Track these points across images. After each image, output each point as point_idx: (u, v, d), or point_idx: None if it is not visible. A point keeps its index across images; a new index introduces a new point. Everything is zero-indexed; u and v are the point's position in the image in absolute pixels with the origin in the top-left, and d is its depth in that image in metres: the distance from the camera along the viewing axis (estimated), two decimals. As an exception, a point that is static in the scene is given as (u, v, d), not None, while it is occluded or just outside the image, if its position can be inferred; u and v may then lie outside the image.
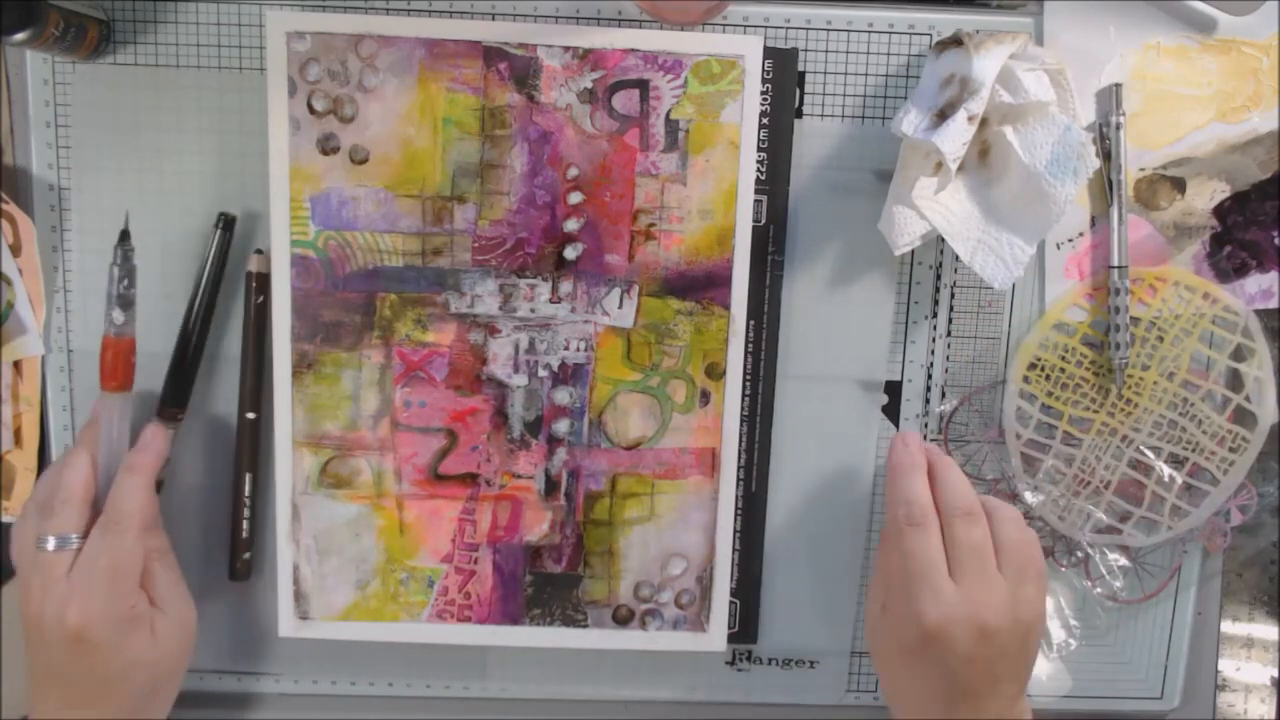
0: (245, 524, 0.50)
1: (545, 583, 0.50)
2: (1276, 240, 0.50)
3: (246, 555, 0.50)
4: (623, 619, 0.51)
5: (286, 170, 0.46)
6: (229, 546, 0.50)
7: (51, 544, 0.41)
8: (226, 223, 0.47)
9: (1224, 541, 0.52)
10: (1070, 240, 0.50)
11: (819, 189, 0.49)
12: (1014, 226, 0.46)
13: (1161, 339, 0.50)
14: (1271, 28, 0.49)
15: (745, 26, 0.48)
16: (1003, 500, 0.45)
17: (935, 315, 0.51)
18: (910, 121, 0.44)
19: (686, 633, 0.51)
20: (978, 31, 0.44)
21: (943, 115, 0.43)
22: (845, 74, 0.49)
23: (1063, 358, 0.50)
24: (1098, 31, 0.48)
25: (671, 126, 0.47)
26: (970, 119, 0.42)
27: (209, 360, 0.49)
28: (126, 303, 0.45)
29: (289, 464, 0.48)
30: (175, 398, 0.48)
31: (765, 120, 0.48)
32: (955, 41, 0.44)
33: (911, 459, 0.45)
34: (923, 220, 0.46)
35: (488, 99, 0.47)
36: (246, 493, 0.49)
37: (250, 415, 0.49)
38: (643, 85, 0.47)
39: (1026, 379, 0.51)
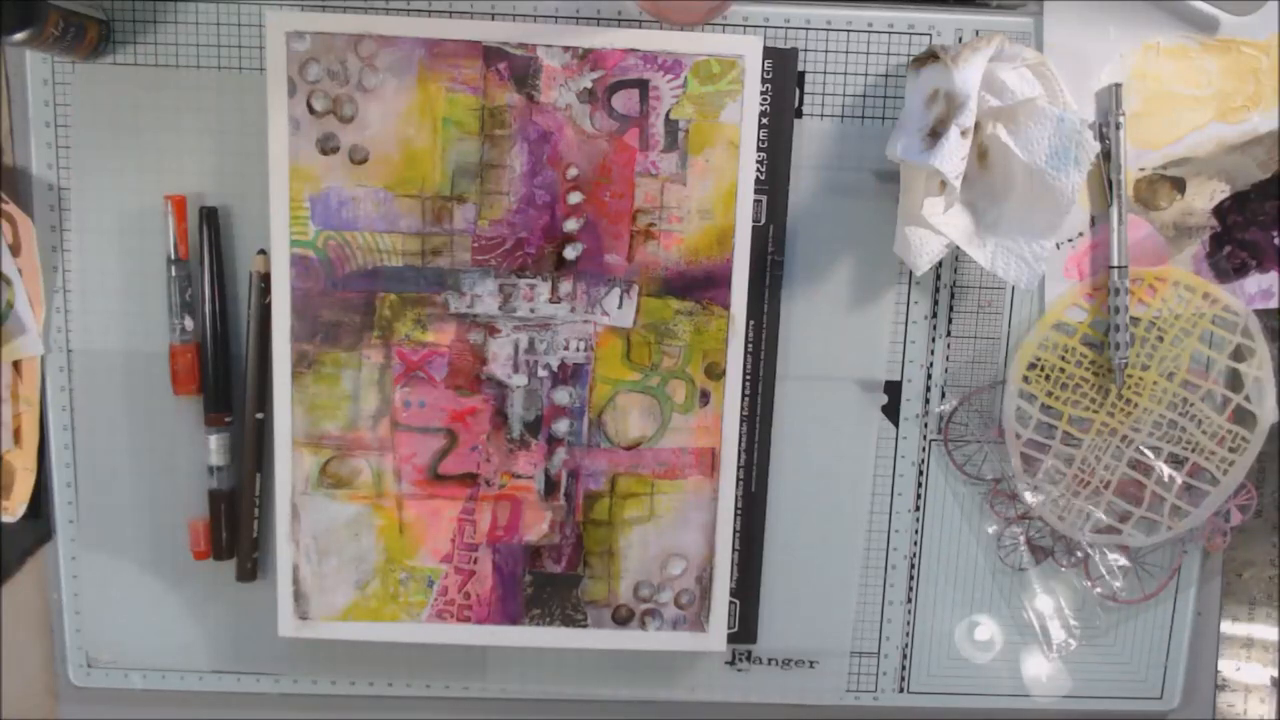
0: (254, 524, 0.50)
1: (545, 583, 0.50)
2: (1276, 240, 0.50)
3: (255, 556, 0.50)
4: (622, 619, 0.51)
5: (286, 170, 0.46)
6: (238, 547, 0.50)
7: None
8: (208, 215, 0.48)
9: (1224, 541, 0.52)
10: (1070, 240, 0.50)
11: (819, 189, 0.49)
12: (1027, 225, 0.46)
13: (1161, 339, 0.50)
14: (1271, 28, 0.49)
15: (745, 26, 0.48)
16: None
17: (935, 315, 0.51)
18: (904, 145, 0.44)
19: (686, 633, 0.51)
20: (952, 45, 0.45)
21: (935, 134, 0.43)
22: (845, 74, 0.49)
23: (1062, 358, 0.50)
24: (1098, 31, 0.48)
25: (671, 126, 0.47)
26: (963, 133, 0.42)
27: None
28: (192, 310, 0.47)
29: (289, 464, 0.48)
30: (219, 402, 0.49)
31: (765, 120, 0.48)
32: (931, 56, 0.44)
33: None
34: (938, 236, 0.46)
35: (487, 99, 0.47)
36: (255, 493, 0.50)
37: (258, 416, 0.49)
38: (642, 85, 0.47)
39: (1026, 379, 0.51)
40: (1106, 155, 0.48)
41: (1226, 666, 0.55)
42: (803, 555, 0.52)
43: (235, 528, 0.50)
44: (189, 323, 0.48)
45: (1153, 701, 0.55)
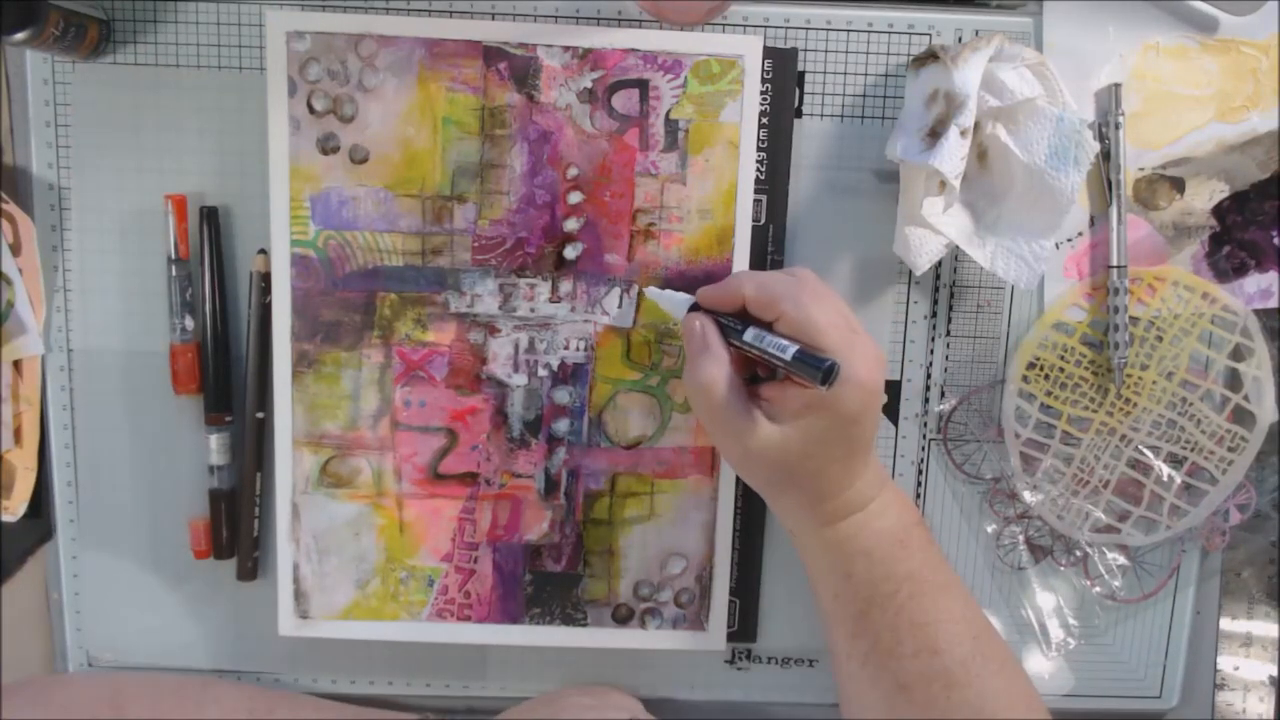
0: (255, 523, 0.50)
1: (545, 582, 0.50)
2: (1275, 240, 0.50)
3: (255, 555, 0.50)
4: (622, 618, 0.51)
5: (286, 170, 0.46)
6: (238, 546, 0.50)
7: None
8: (208, 215, 0.48)
9: (1223, 540, 0.52)
10: (1069, 240, 0.50)
11: (819, 189, 0.49)
12: (1027, 225, 0.46)
13: (1160, 339, 0.51)
14: (1271, 28, 0.49)
15: (745, 26, 0.48)
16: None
17: (935, 315, 0.51)
18: (903, 145, 0.44)
19: (686, 632, 0.51)
20: (952, 44, 0.45)
21: (934, 134, 0.43)
22: (845, 74, 0.49)
23: (1062, 357, 0.50)
24: (1097, 31, 0.48)
25: (671, 126, 0.47)
26: (963, 133, 0.42)
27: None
28: (192, 309, 0.47)
29: (289, 463, 0.48)
30: (220, 402, 0.49)
31: (765, 120, 0.48)
32: (931, 56, 0.44)
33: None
34: (938, 236, 0.46)
35: (488, 99, 0.47)
36: (255, 493, 0.50)
37: (259, 415, 0.49)
38: (642, 85, 0.47)
39: (1025, 378, 0.51)
40: (1106, 155, 0.48)
41: (1225, 665, 0.55)
42: (802, 554, 0.52)
43: (235, 527, 0.50)
44: (189, 322, 0.48)
45: (1152, 700, 0.55)
